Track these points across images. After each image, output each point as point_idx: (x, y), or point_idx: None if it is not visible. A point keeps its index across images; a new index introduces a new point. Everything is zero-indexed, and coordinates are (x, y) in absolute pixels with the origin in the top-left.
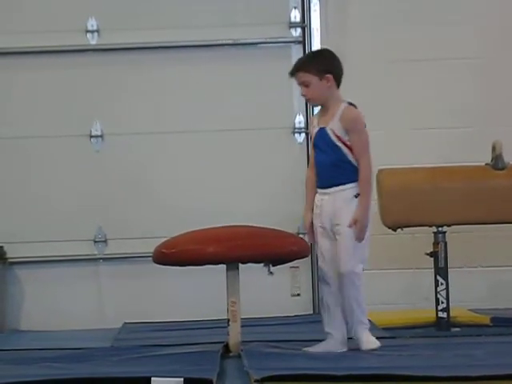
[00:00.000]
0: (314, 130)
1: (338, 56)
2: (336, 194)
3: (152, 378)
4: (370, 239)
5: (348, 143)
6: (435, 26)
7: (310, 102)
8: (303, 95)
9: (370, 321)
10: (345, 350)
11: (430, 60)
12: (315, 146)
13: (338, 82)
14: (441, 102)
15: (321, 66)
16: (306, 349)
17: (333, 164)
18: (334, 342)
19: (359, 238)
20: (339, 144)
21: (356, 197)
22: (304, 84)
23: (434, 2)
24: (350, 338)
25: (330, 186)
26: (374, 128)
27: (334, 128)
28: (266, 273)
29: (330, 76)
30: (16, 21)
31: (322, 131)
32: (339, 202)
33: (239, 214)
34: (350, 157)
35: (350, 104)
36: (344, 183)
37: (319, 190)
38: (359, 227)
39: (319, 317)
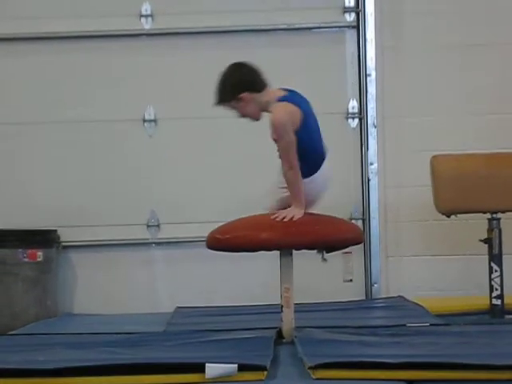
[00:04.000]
0: None
1: (241, 64)
2: None
3: (206, 364)
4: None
5: None
6: (493, 10)
7: (253, 121)
8: (240, 117)
9: (423, 307)
10: None
11: (487, 45)
12: None
13: (258, 88)
14: (497, 87)
15: (228, 92)
16: None
17: None
18: None
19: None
20: None
21: None
22: (234, 109)
23: None
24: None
25: None
26: (428, 114)
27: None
28: (318, 258)
29: (243, 95)
30: (73, 6)
31: None
32: None
33: None
34: None
35: (279, 100)
36: None
37: None
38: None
39: (372, 302)
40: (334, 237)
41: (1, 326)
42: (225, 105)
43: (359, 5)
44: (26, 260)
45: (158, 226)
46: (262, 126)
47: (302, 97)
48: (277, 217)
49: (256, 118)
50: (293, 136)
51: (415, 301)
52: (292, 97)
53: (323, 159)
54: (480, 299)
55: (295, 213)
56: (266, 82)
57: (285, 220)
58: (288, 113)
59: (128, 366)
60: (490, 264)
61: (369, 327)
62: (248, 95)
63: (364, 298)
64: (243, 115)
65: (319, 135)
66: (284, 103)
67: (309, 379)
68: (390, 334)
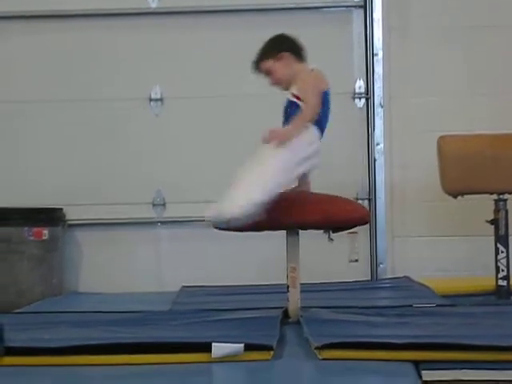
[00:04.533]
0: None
1: (291, 35)
2: None
3: (213, 344)
4: None
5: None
6: None
7: (279, 88)
8: (272, 84)
9: (429, 288)
10: None
11: (493, 27)
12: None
13: (299, 55)
14: (503, 68)
15: (272, 48)
16: None
17: None
18: None
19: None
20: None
21: None
22: (267, 73)
23: None
24: None
25: None
26: (435, 95)
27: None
28: (323, 238)
29: (284, 54)
30: None
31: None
32: None
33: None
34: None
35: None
36: None
37: None
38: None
39: (378, 283)
40: (340, 216)
41: (7, 304)
42: (262, 65)
43: None
44: (32, 238)
45: (163, 205)
46: (270, 105)
47: None
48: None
49: (286, 86)
50: (319, 98)
51: (421, 281)
52: None
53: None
54: (486, 280)
55: (282, 131)
56: (306, 58)
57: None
58: (318, 78)
59: (133, 345)
60: (496, 245)
61: (375, 307)
62: (289, 56)
63: (370, 278)
64: (276, 80)
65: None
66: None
67: (315, 359)
68: (396, 314)
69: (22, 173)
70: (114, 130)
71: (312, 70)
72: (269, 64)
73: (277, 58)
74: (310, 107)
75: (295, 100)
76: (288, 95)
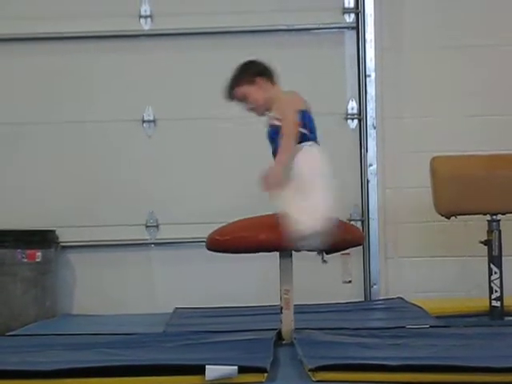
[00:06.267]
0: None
1: (261, 60)
2: None
3: (206, 366)
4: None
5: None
6: (490, 11)
7: (258, 114)
8: (248, 110)
9: (423, 309)
10: None
11: (486, 46)
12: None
13: (271, 78)
14: (496, 89)
15: (245, 74)
16: None
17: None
18: None
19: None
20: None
21: None
22: (243, 99)
23: None
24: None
25: None
26: (428, 115)
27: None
28: (316, 259)
29: (258, 78)
30: (72, 6)
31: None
32: None
33: None
34: None
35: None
36: None
37: None
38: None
39: (371, 304)
40: (333, 238)
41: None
42: (237, 91)
43: (359, 6)
44: (25, 260)
45: (156, 226)
46: (261, 127)
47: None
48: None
49: (261, 111)
50: (296, 117)
51: (415, 302)
52: None
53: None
54: (479, 301)
55: (273, 172)
56: (277, 80)
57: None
58: (295, 97)
59: (127, 368)
60: (489, 266)
61: (368, 329)
62: (263, 80)
63: (363, 299)
64: (253, 104)
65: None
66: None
67: (309, 381)
68: (390, 335)
69: (14, 195)
70: (106, 151)
71: (287, 92)
72: (244, 89)
73: (252, 83)
74: (287, 123)
75: (276, 123)
76: (269, 120)
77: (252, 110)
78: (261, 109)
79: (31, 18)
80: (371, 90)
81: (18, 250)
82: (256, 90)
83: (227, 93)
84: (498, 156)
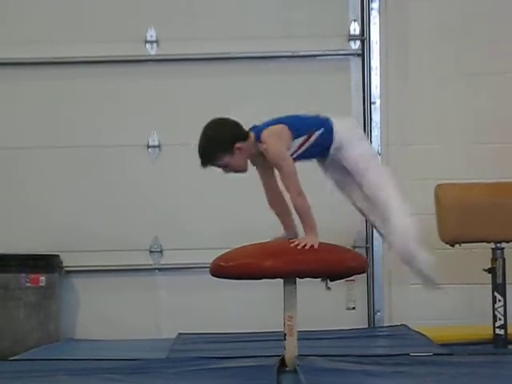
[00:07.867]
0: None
1: (221, 119)
2: None
3: None
4: None
5: None
6: (495, 39)
7: (240, 172)
8: (231, 171)
9: (426, 336)
10: None
11: (492, 74)
12: None
13: (245, 136)
14: (501, 116)
15: (222, 146)
16: None
17: None
18: None
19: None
20: None
21: None
22: (224, 167)
23: (494, 16)
24: None
25: None
26: (433, 142)
27: None
28: (320, 286)
29: (238, 145)
30: (78, 31)
31: None
32: None
33: (299, 226)
34: None
35: (257, 131)
36: None
37: None
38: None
39: (375, 331)
40: (338, 265)
41: (3, 351)
42: (216, 163)
43: (364, 33)
44: (29, 285)
45: (160, 251)
46: None
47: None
48: (297, 244)
49: (245, 169)
50: (291, 162)
51: (418, 329)
52: (265, 124)
53: (331, 127)
54: (483, 329)
55: (312, 241)
56: (246, 131)
57: (306, 247)
58: (278, 137)
59: None
60: (493, 293)
61: (372, 356)
62: (242, 144)
63: (367, 326)
64: (235, 167)
65: (312, 120)
66: (269, 129)
67: None
68: (393, 363)
69: (18, 219)
70: (111, 176)
71: (268, 135)
72: (225, 161)
73: (231, 153)
74: (296, 192)
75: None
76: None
77: (234, 172)
78: (244, 168)
79: (36, 42)
80: (376, 117)
81: (22, 275)
82: (236, 157)
83: (206, 163)
84: (503, 184)
